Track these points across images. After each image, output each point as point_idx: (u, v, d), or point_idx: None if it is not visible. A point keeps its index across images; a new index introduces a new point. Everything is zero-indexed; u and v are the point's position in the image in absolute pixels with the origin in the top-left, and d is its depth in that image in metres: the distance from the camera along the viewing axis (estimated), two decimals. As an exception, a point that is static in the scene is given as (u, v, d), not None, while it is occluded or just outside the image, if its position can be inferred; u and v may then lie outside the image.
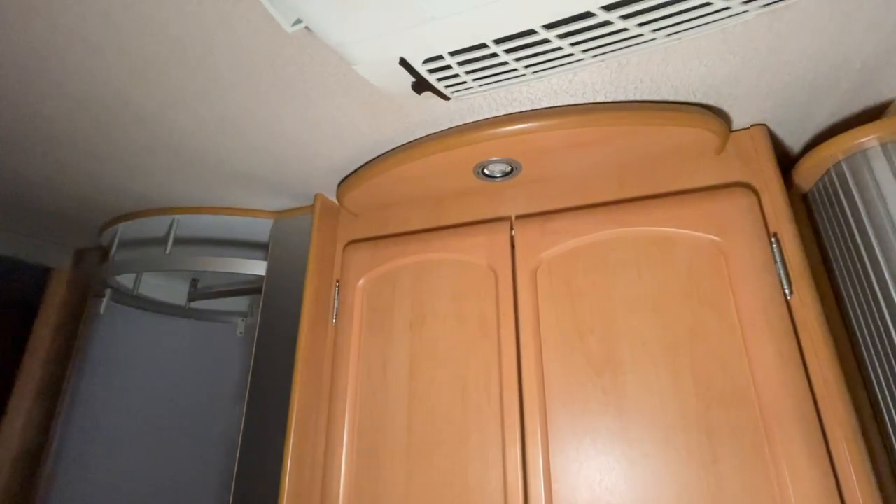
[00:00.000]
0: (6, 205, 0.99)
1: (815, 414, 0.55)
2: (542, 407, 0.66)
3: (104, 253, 1.20)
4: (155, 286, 1.38)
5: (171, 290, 1.43)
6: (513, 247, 0.77)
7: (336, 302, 0.87)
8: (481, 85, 0.53)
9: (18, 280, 1.14)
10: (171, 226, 1.00)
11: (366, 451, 0.75)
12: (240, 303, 1.61)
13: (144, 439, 1.26)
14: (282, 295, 0.93)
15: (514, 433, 0.67)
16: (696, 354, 0.61)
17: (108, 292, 1.17)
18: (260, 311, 0.93)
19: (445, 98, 0.55)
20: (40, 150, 0.76)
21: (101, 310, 1.16)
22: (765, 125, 0.69)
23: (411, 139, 0.73)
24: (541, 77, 0.52)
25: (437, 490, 0.68)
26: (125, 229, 1.06)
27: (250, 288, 1.35)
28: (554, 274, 0.73)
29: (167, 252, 0.97)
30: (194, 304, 1.46)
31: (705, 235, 0.65)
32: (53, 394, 1.22)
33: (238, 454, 0.84)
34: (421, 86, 0.50)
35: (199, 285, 1.47)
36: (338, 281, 0.89)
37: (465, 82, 0.51)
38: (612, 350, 0.66)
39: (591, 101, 0.64)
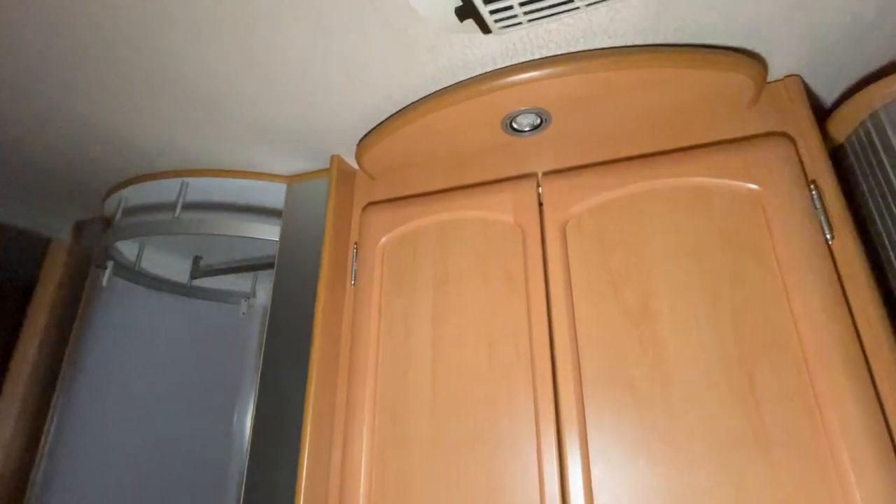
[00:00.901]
0: (2, 167, 0.95)
1: (860, 354, 0.54)
2: (574, 360, 0.65)
3: (107, 223, 1.16)
4: (156, 263, 1.34)
5: (172, 267, 1.39)
6: (540, 204, 0.75)
7: (354, 265, 0.85)
8: (530, 19, 0.51)
9: (16, 252, 1.10)
10: (180, 190, 0.97)
11: (389, 412, 0.72)
12: (243, 283, 1.58)
13: (146, 419, 1.22)
14: (296, 260, 0.90)
15: (546, 387, 0.65)
16: (736, 301, 0.60)
17: (110, 264, 1.13)
18: (274, 277, 0.91)
19: (486, 31, 0.53)
20: (38, 91, 0.73)
21: (104, 282, 1.12)
22: (799, 76, 0.68)
23: (440, 87, 0.71)
24: (595, 6, 0.50)
25: (464, 448, 0.66)
26: (131, 195, 1.02)
27: (255, 264, 1.32)
28: (584, 229, 0.71)
29: (176, 215, 0.93)
30: (197, 282, 1.42)
31: (743, 184, 0.64)
32: (51, 373, 1.17)
33: (253, 424, 0.82)
34: (466, 12, 0.49)
35: (202, 263, 1.43)
36: (356, 244, 0.86)
37: (514, 15, 0.50)
38: (648, 301, 0.64)
39: (630, 44, 0.62)
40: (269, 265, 1.30)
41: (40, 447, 0.98)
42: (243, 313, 1.53)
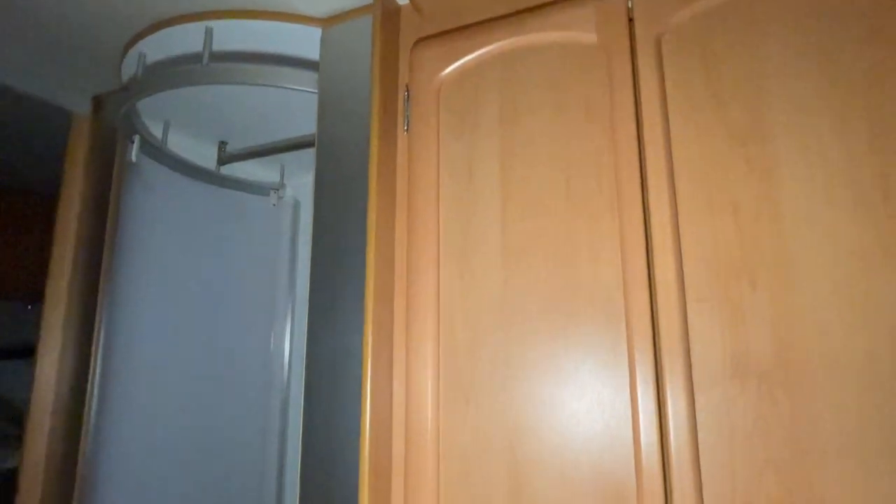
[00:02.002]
0: (12, 31, 0.85)
1: None
2: (670, 184, 0.58)
3: (126, 93, 1.08)
4: (181, 149, 1.26)
5: (197, 154, 1.32)
6: (630, 19, 0.64)
7: (407, 110, 0.76)
8: None
9: (40, 125, 1.02)
10: (205, 37, 0.86)
11: (454, 258, 0.68)
12: (271, 175, 1.51)
13: (184, 319, 1.22)
14: (338, 113, 0.81)
15: (633, 215, 0.59)
16: (872, 105, 0.51)
17: (136, 138, 1.06)
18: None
19: None
20: None
21: (132, 156, 1.06)
22: None
23: None
24: None
25: (538, 291, 0.62)
26: (150, 50, 0.92)
27: (284, 146, 1.24)
28: (683, 41, 0.61)
29: (203, 63, 0.84)
30: (224, 170, 1.36)
31: (895, -36, 0.52)
32: (91, 269, 1.15)
33: (309, 297, 0.78)
34: None
35: (228, 147, 1.36)
36: (407, 86, 0.77)
37: None
38: (759, 116, 0.56)
39: None
40: (299, 146, 1.22)
41: (93, 357, 0.98)
42: (273, 204, 1.49)
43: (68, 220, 1.14)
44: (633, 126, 0.61)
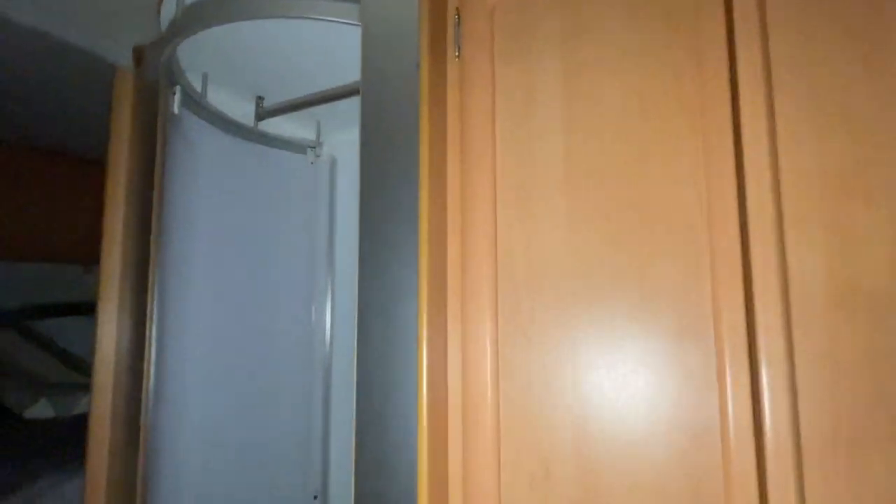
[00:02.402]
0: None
1: None
2: (766, 90, 0.51)
3: (166, 41, 1.06)
4: (219, 104, 1.25)
5: (235, 110, 1.30)
6: None
7: (458, 34, 0.71)
8: None
9: (81, 79, 1.02)
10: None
11: (513, 192, 0.63)
12: (307, 131, 1.49)
13: (227, 276, 1.23)
14: (383, 42, 0.76)
15: (722, 127, 0.52)
16: None
17: (178, 89, 1.05)
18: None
19: None
20: None
21: (175, 108, 1.06)
22: None
23: None
24: None
25: (607, 222, 0.57)
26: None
27: (325, 96, 1.21)
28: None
29: (242, -2, 0.81)
30: (262, 126, 1.34)
31: None
32: (142, 224, 1.16)
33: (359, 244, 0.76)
34: None
35: (265, 103, 1.34)
36: (457, 8, 0.71)
37: None
38: (879, 7, 0.47)
39: None
40: (341, 95, 1.18)
41: (148, 316, 0.99)
42: (311, 163, 1.47)
43: (118, 179, 1.15)
44: (721, 26, 0.53)
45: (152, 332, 0.99)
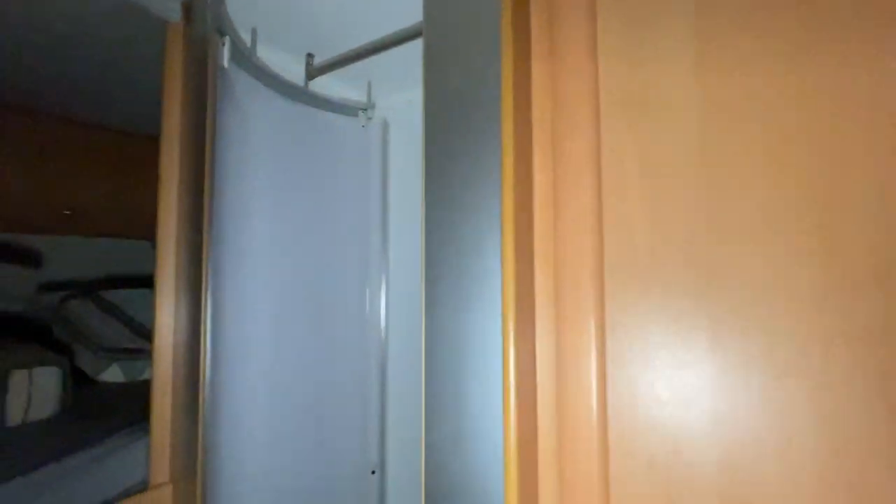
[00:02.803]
0: None
1: None
2: None
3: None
4: (269, 62, 1.19)
5: (285, 70, 1.24)
6: None
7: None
8: None
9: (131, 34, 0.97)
10: None
11: (622, 108, 0.50)
12: (358, 92, 1.41)
13: (279, 245, 1.18)
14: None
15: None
16: None
17: (227, 41, 0.99)
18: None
19: None
20: None
21: (224, 61, 1.00)
22: None
23: None
24: None
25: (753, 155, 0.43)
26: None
27: (376, 46, 1.11)
28: None
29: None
30: (313, 86, 1.27)
31: None
32: (196, 184, 1.13)
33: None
34: None
35: (315, 60, 1.26)
36: None
37: None
38: None
39: None
40: (397, 42, 1.07)
41: (203, 288, 0.96)
42: (363, 126, 1.39)
43: (171, 141, 1.12)
44: None
45: (208, 306, 0.97)
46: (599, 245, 0.50)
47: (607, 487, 0.46)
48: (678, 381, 0.44)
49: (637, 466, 0.45)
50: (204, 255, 0.97)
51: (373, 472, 1.29)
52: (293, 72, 1.23)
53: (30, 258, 1.94)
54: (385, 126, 1.42)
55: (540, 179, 0.53)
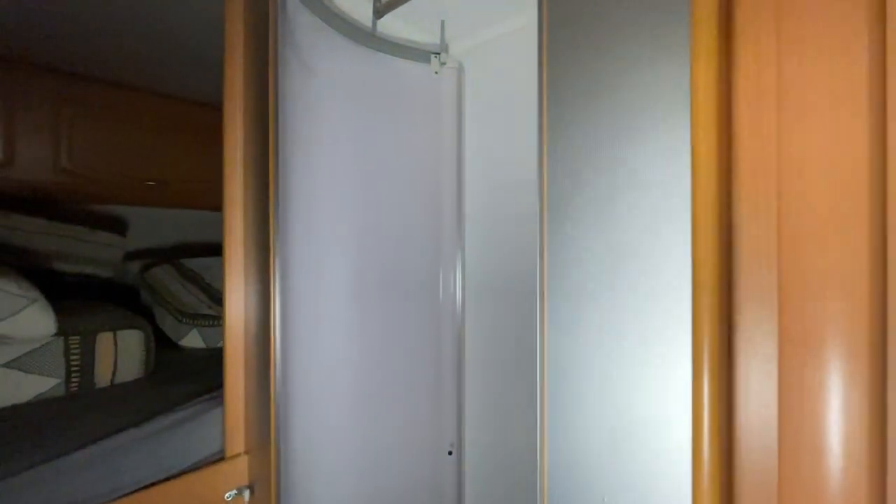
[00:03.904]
0: None
1: None
2: None
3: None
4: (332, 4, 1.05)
5: (351, 9, 1.09)
6: None
7: None
8: None
9: None
10: None
11: None
12: (432, 33, 1.24)
13: (348, 208, 1.07)
14: None
15: None
16: None
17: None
18: None
19: None
20: None
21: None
22: None
23: None
24: None
25: None
26: None
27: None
28: None
29: None
30: (381, 29, 1.12)
31: None
32: (260, 155, 1.05)
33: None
34: None
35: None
36: None
37: None
38: None
39: None
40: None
41: (271, 255, 0.88)
42: (436, 72, 1.22)
43: (235, 103, 1.03)
44: None
45: (275, 275, 0.88)
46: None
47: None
48: None
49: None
50: (271, 224, 0.89)
51: (450, 453, 1.19)
52: (360, 12, 1.09)
53: (117, 227, 2.04)
54: (460, 70, 1.25)
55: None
